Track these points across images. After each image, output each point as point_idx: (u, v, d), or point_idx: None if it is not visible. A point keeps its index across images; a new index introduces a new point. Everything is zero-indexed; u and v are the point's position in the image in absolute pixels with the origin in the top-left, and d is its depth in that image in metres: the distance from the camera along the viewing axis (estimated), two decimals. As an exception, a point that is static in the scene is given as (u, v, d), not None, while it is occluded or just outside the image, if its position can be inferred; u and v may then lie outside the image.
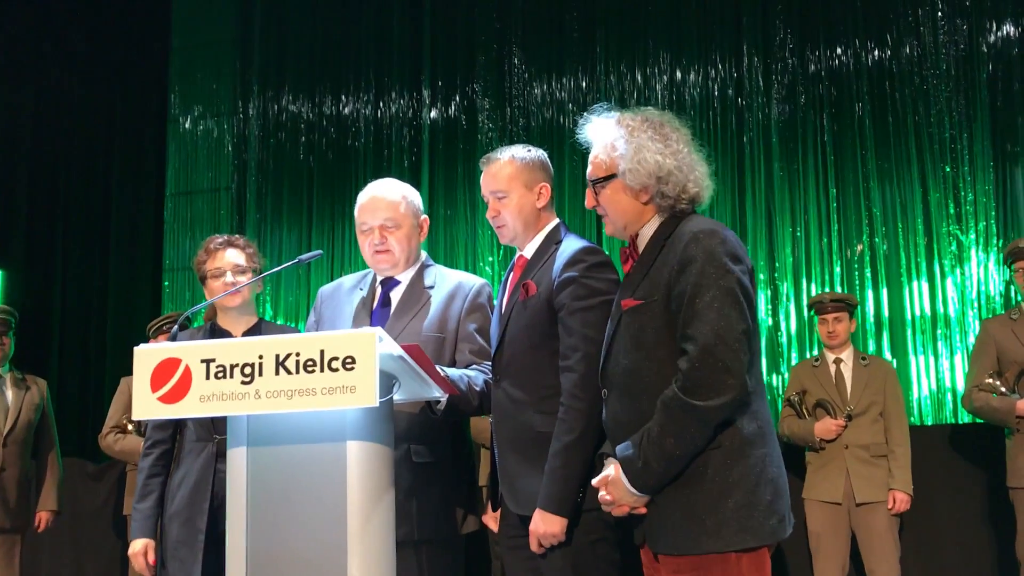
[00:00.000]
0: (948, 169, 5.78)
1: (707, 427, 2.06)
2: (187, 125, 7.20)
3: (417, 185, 6.63)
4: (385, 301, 2.92)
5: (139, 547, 3.04)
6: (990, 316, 5.55)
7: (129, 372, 5.54)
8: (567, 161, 6.31)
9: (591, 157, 2.39)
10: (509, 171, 2.71)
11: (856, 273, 5.90)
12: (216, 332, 3.16)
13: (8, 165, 6.87)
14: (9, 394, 4.59)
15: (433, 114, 6.85)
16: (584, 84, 6.59)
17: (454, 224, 6.69)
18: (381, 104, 6.94)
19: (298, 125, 7.04)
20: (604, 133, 2.35)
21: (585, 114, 2.45)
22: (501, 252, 6.48)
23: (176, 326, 2.87)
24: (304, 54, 7.12)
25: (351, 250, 6.75)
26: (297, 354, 2.19)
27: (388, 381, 2.37)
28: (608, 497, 2.19)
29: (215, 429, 2.99)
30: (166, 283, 7.03)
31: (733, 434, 2.09)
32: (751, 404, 2.11)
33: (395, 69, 6.94)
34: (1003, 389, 4.15)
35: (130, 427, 4.72)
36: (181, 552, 2.98)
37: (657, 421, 2.09)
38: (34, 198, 6.98)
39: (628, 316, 2.23)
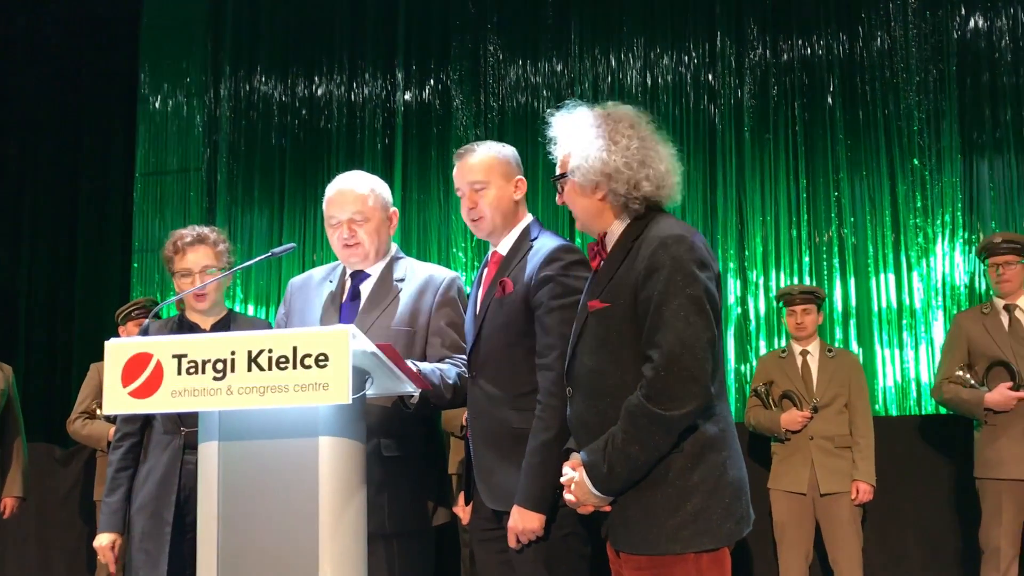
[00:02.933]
0: (916, 162, 5.86)
1: (671, 435, 2.09)
2: (157, 105, 7.11)
3: (390, 168, 6.72)
4: (355, 295, 2.91)
5: (106, 541, 3.04)
6: (954, 307, 5.65)
7: (98, 357, 5.52)
8: (540, 148, 6.28)
9: (555, 154, 2.42)
10: (488, 162, 2.71)
11: (824, 263, 5.96)
12: (184, 325, 3.13)
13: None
14: (-27, 381, 4.54)
15: (407, 97, 6.81)
16: (559, 69, 6.58)
17: (427, 209, 6.67)
18: (354, 86, 6.89)
19: (270, 106, 6.97)
20: (562, 129, 2.38)
21: (551, 110, 2.45)
22: (474, 239, 6.47)
23: (148, 320, 2.84)
24: (277, 34, 7.04)
25: (323, 234, 6.69)
26: (270, 351, 2.19)
27: (361, 377, 2.38)
28: (573, 499, 2.22)
29: (182, 422, 2.98)
30: (135, 265, 6.95)
31: (695, 438, 2.12)
32: (713, 408, 2.14)
33: (369, 51, 6.89)
34: (973, 382, 4.22)
35: (99, 412, 4.68)
36: (147, 544, 2.98)
37: (622, 428, 2.11)
38: (1, 178, 6.87)
39: (594, 318, 2.25)
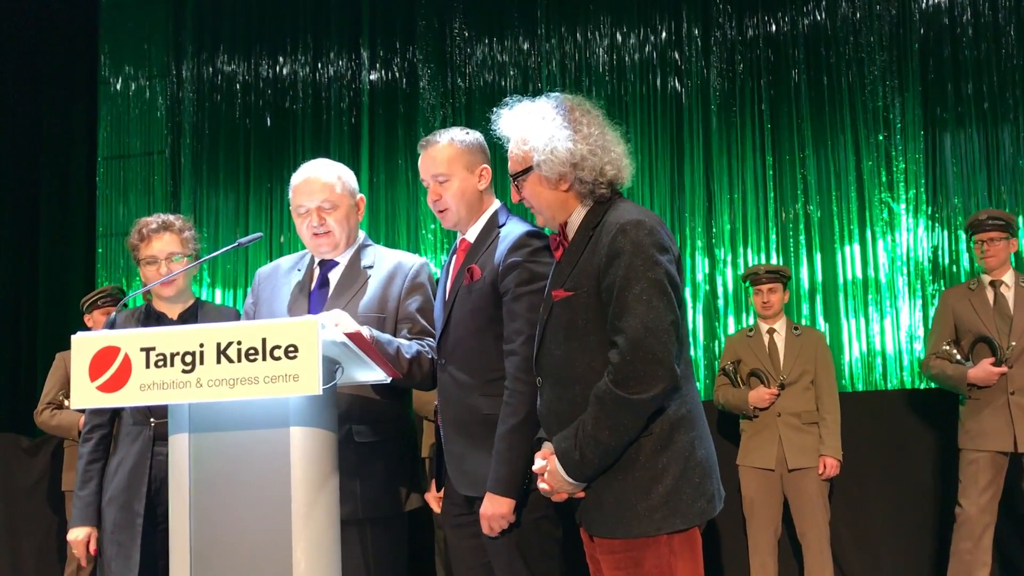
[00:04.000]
0: (881, 137, 5.91)
1: (640, 418, 2.12)
2: (119, 87, 6.99)
3: (356, 149, 6.67)
4: (323, 282, 2.90)
5: (82, 535, 3.03)
6: (918, 282, 5.74)
7: (63, 345, 5.45)
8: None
9: (508, 153, 2.39)
10: (449, 154, 2.69)
11: (791, 239, 6.02)
12: (151, 314, 3.12)
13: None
14: (-61, 372, 4.48)
15: (372, 76, 6.75)
16: (525, 47, 6.55)
17: (394, 189, 6.62)
18: (319, 66, 6.81)
19: (234, 87, 6.87)
20: (515, 126, 2.36)
21: (495, 110, 2.45)
22: (442, 219, 6.44)
23: (115, 312, 2.82)
24: (240, 13, 6.92)
25: (290, 216, 6.63)
26: (239, 342, 2.19)
27: (331, 367, 2.38)
28: (546, 487, 2.25)
29: (152, 413, 2.97)
30: (100, 250, 6.86)
31: (663, 420, 2.15)
32: (680, 389, 2.17)
33: (333, 29, 6.81)
34: (958, 357, 4.30)
35: (66, 402, 4.64)
36: (119, 536, 2.97)
37: (591, 414, 2.13)
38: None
39: (559, 307, 2.26)
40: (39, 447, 5.24)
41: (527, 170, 2.33)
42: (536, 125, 2.30)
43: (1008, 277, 4.37)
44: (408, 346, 2.69)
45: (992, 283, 4.37)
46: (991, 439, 4.17)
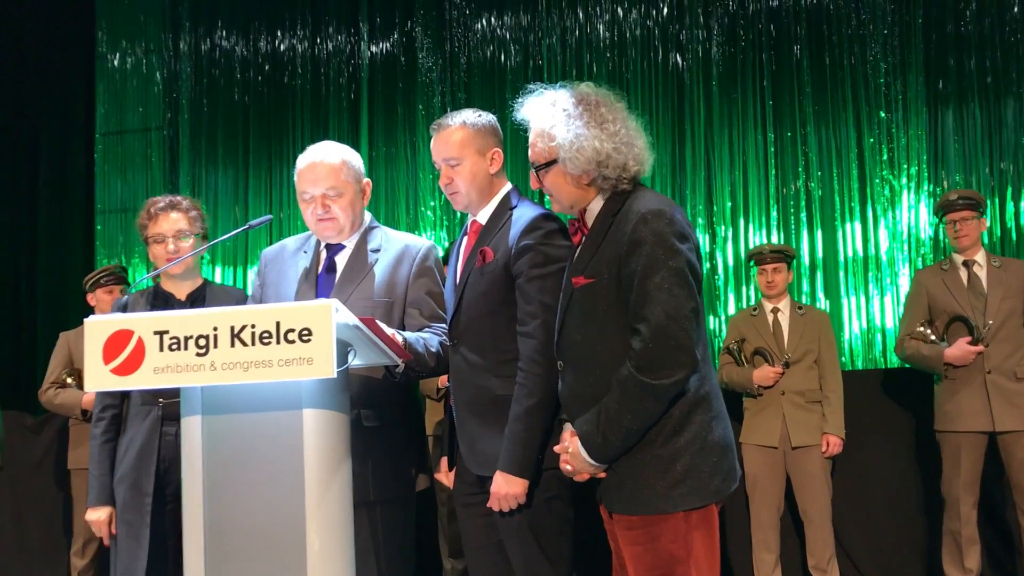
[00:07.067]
0: (883, 114, 5.90)
1: (662, 402, 2.17)
2: (116, 62, 6.93)
3: (356, 124, 6.64)
4: (330, 266, 2.88)
5: (104, 515, 3.05)
6: (919, 259, 5.75)
7: (63, 321, 5.48)
8: (508, 103, 6.23)
9: (530, 141, 2.40)
10: (461, 137, 2.68)
11: (792, 216, 6.02)
12: (160, 295, 3.13)
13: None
14: (-55, 351, 4.48)
15: (372, 51, 6.70)
16: (525, 22, 6.51)
17: (394, 165, 6.60)
18: (318, 40, 6.76)
19: (232, 62, 6.83)
20: (540, 118, 2.36)
21: (520, 95, 2.44)
22: (442, 197, 6.42)
23: (126, 296, 2.81)
24: (237, -13, 6.88)
25: (289, 192, 6.65)
26: (253, 326, 2.18)
27: (343, 350, 2.38)
28: (569, 468, 2.30)
29: (160, 393, 2.97)
30: (99, 226, 6.84)
31: (683, 402, 2.20)
32: (699, 371, 2.21)
33: (332, 3, 6.76)
34: (933, 337, 4.31)
35: (69, 381, 4.64)
36: (129, 515, 2.99)
37: (614, 398, 2.18)
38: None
39: (579, 293, 2.29)
40: (43, 425, 5.24)
41: (551, 163, 2.34)
42: (562, 120, 2.30)
43: (980, 256, 4.39)
44: (429, 340, 2.70)
45: (965, 263, 4.39)
46: (969, 419, 4.18)
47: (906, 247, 5.83)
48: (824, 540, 4.32)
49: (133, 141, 6.87)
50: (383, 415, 2.79)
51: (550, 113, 2.33)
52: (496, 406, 2.55)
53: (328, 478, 2.27)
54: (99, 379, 2.23)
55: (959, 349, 4.20)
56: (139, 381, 2.22)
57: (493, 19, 6.55)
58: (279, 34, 6.79)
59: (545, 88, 2.40)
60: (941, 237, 5.72)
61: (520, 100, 2.43)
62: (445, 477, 2.87)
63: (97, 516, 3.05)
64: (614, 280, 2.23)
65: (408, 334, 2.63)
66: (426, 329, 2.78)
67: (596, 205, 2.35)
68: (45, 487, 5.17)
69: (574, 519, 2.61)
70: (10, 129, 6.79)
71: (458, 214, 6.36)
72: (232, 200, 6.74)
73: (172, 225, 3.09)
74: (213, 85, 6.83)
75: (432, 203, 6.47)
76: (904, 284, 5.73)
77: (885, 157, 5.88)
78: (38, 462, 5.18)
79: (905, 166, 5.85)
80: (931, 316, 4.37)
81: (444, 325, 2.76)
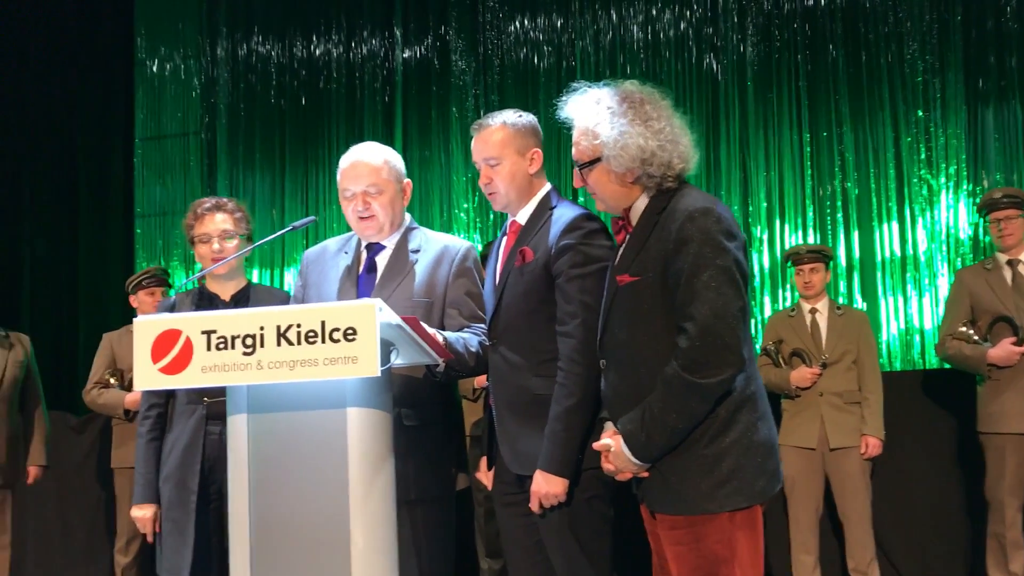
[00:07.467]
0: (920, 113, 5.84)
1: (708, 402, 2.16)
2: (155, 68, 7.03)
3: (390, 128, 6.68)
4: (371, 267, 2.91)
5: (149, 513, 3.09)
6: (958, 259, 5.68)
7: (104, 323, 5.56)
8: (542, 104, 6.27)
9: (574, 140, 2.40)
10: (501, 137, 2.70)
11: (828, 217, 5.98)
12: (205, 296, 3.19)
13: (-29, 114, 6.70)
14: (-6, 352, 4.57)
15: (406, 55, 6.75)
16: (559, 23, 6.52)
17: (428, 168, 6.64)
18: (352, 45, 6.82)
19: (268, 67, 6.90)
20: (585, 116, 2.35)
21: (564, 93, 2.44)
22: (477, 198, 6.46)
23: (173, 298, 2.87)
24: (273, -7, 6.96)
25: (324, 194, 6.71)
26: (298, 325, 2.21)
27: (386, 349, 2.40)
28: (611, 467, 2.29)
29: (204, 392, 3.01)
30: (138, 230, 6.94)
31: (728, 402, 2.19)
32: (745, 370, 2.20)
33: (366, 8, 6.81)
34: (976, 338, 4.26)
35: (112, 381, 4.72)
36: (174, 513, 3.04)
37: (659, 397, 2.17)
38: (-1, 147, 6.83)
39: (624, 291, 2.29)
40: (86, 425, 5.33)
41: (594, 161, 2.34)
42: (606, 118, 2.29)
43: None
44: (470, 340, 2.72)
45: (1009, 262, 4.32)
46: (1013, 421, 4.12)
47: (945, 247, 5.76)
48: (864, 542, 4.29)
49: (171, 146, 6.96)
50: (423, 414, 2.81)
51: (594, 111, 2.33)
52: (536, 406, 2.56)
53: (372, 476, 2.30)
54: (148, 378, 2.28)
55: (1003, 350, 4.14)
56: (187, 380, 2.27)
57: (526, 21, 6.57)
58: (314, 39, 6.86)
59: (589, 86, 2.40)
60: (981, 236, 5.65)
61: (563, 99, 2.43)
62: (485, 477, 2.88)
63: (143, 513, 3.10)
64: (659, 278, 2.22)
65: (448, 334, 2.65)
66: (465, 329, 2.80)
67: (641, 203, 2.35)
68: (88, 486, 5.26)
69: (614, 519, 2.62)
70: (52, 135, 6.91)
71: (492, 216, 6.38)
72: (269, 203, 6.81)
73: (217, 226, 3.15)
74: (250, 90, 6.91)
75: (466, 205, 6.49)
76: (943, 285, 5.66)
77: (923, 156, 5.82)
78: (81, 461, 5.28)
79: (944, 165, 5.79)
80: (974, 316, 4.31)
81: (483, 325, 2.78)
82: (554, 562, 2.60)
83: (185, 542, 3.00)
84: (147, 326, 2.28)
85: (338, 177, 2.92)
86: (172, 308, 3.15)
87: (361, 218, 2.87)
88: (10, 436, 4.54)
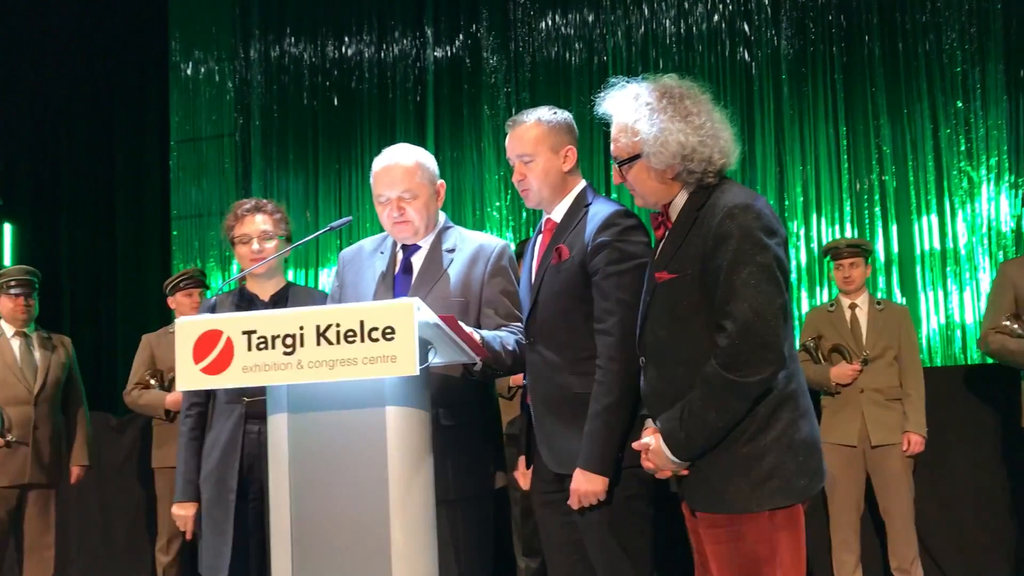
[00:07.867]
0: (959, 104, 5.75)
1: (748, 400, 2.13)
2: (189, 71, 7.11)
3: (422, 127, 6.70)
4: (406, 267, 2.91)
5: (190, 511, 3.14)
6: (1000, 252, 5.58)
7: (142, 325, 5.64)
8: (573, 100, 6.26)
9: (612, 136, 2.37)
10: (535, 134, 2.68)
11: (866, 211, 5.90)
12: (244, 296, 3.22)
13: (10, 119, 6.80)
14: (37, 354, 4.64)
15: (437, 54, 6.75)
16: (590, 19, 6.49)
17: (460, 167, 6.65)
18: (384, 45, 6.84)
19: (301, 68, 6.95)
20: (623, 112, 2.32)
21: (602, 89, 2.42)
22: (509, 197, 6.45)
23: (214, 298, 2.89)
24: (304, -5, 7.00)
25: (358, 194, 6.74)
26: (338, 325, 2.21)
27: (424, 348, 2.40)
28: (651, 465, 2.27)
29: (244, 391, 3.03)
30: (175, 232, 7.02)
31: (769, 399, 2.15)
32: (786, 367, 2.17)
33: (397, 8, 6.83)
34: (1020, 331, 4.18)
35: (152, 382, 4.78)
36: (214, 511, 3.07)
37: (699, 396, 2.15)
38: (37, 151, 6.92)
39: (663, 288, 2.26)
40: (126, 425, 5.40)
41: (634, 158, 2.31)
42: (645, 114, 2.27)
43: None
44: (506, 339, 2.70)
45: None
46: None
47: (986, 240, 5.67)
48: (907, 541, 4.23)
49: (206, 148, 7.04)
50: (460, 414, 2.80)
51: (633, 107, 2.30)
52: (574, 404, 2.55)
53: (411, 475, 2.29)
54: (190, 378, 2.29)
55: None
56: (228, 380, 2.28)
57: (557, 17, 6.55)
58: (346, 40, 6.89)
59: (627, 81, 2.37)
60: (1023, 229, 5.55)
61: (600, 94, 2.41)
62: (521, 476, 2.88)
63: (183, 512, 3.14)
64: (698, 275, 2.19)
65: (485, 332, 2.64)
66: (502, 328, 2.79)
67: (680, 199, 2.32)
68: (129, 485, 5.33)
69: (654, 517, 2.59)
70: (88, 138, 7.01)
71: (525, 214, 6.37)
72: (303, 204, 6.86)
73: (257, 226, 3.18)
74: (283, 91, 6.96)
75: (498, 203, 6.49)
76: (984, 278, 5.57)
77: (963, 148, 5.73)
78: (122, 462, 5.35)
79: (984, 157, 5.69)
80: (1018, 310, 4.23)
81: (520, 324, 2.77)
82: (594, 561, 2.58)
83: (224, 541, 3.02)
84: (189, 327, 2.29)
85: (372, 181, 2.91)
86: (213, 309, 3.18)
87: (396, 223, 2.86)
88: (53, 437, 4.62)
